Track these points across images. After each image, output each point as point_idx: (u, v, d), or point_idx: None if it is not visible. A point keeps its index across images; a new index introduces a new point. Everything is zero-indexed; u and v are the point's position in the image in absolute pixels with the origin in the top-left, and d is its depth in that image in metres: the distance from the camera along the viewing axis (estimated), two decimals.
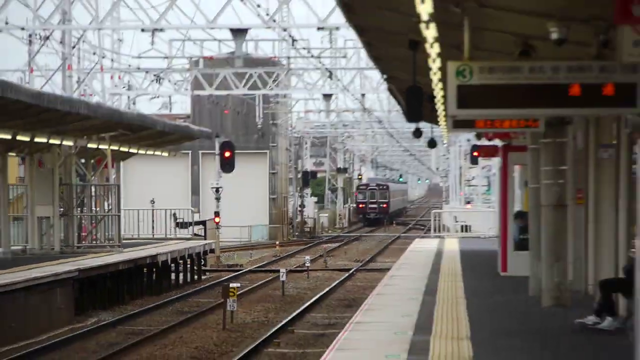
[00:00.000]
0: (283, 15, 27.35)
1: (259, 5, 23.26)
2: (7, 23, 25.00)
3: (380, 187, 58.34)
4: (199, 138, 32.18)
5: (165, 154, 31.25)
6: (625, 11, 5.18)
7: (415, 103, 13.87)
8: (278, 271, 23.07)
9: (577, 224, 13.27)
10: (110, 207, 26.20)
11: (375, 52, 16.47)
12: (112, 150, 24.67)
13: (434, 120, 22.21)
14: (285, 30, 26.72)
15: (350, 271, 26.97)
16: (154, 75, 31.57)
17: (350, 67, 32.93)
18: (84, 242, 24.85)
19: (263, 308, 19.45)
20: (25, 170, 23.41)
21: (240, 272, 27.35)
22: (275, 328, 15.78)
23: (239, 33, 25.25)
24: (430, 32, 8.59)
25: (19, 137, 18.99)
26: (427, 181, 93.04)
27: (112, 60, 31.13)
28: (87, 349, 13.15)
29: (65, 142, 21.63)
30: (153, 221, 32.80)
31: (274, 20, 25.73)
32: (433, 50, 9.71)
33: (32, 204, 21.70)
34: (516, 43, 10.29)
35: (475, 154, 32.48)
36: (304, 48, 29.04)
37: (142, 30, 25.36)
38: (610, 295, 9.83)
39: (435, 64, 10.80)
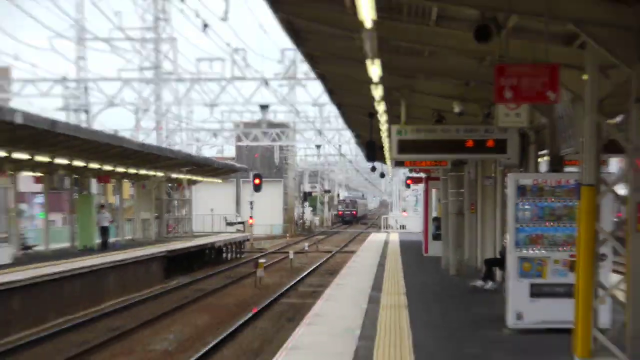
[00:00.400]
0: (291, 96, 44.80)
1: (275, 90, 41.51)
2: (122, 100, 43.01)
3: (351, 201, 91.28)
4: (239, 171, 50.43)
5: (219, 180, 48.83)
6: (500, 95, 7.74)
7: (372, 151, 22.77)
8: (288, 252, 33.17)
9: (470, 225, 19.20)
10: (185, 212, 42.71)
11: (348, 119, 27.26)
12: (187, 178, 39.38)
13: (383, 160, 32.48)
14: (292, 105, 44.74)
15: (332, 252, 37.37)
16: (213, 133, 49.76)
17: (332, 128, 47.98)
18: (169, 234, 38.14)
19: (279, 275, 27.91)
20: (134, 190, 35.11)
21: (265, 253, 38.75)
22: (287, 287, 23.32)
23: (264, 107, 42.84)
24: (381, 107, 13.24)
25: (130, 170, 30.02)
26: (379, 198, 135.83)
27: (186, 123, 48.39)
28: (172, 300, 21.08)
29: (158, 174, 33.40)
30: (212, 221, 51.18)
31: (285, 99, 44.36)
32: (382, 118, 15.31)
33: (138, 211, 33.71)
34: (433, 114, 14.77)
35: (408, 182, 46.43)
36: (304, 117, 48.98)
37: (205, 105, 42.99)
38: (491, 268, 14.35)
39: (384, 127, 16.96)
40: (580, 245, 7.32)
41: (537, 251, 9.48)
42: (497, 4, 7.73)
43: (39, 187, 29.77)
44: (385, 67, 10.19)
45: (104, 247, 26.12)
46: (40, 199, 32.34)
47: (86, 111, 37.43)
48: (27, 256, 22.60)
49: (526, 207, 9.55)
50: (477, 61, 10.73)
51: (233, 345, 14.15)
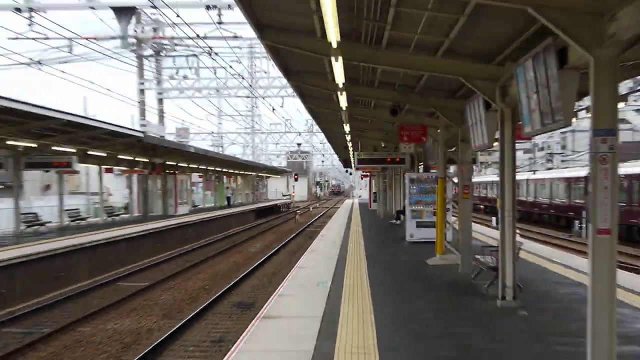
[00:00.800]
0: (311, 139, 77.35)
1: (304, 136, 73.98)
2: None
3: (337, 185, 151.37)
4: (289, 172, 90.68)
5: (279, 177, 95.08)
6: (401, 139, 17.64)
7: (346, 164, 48.00)
8: (309, 208, 64.67)
9: (389, 195, 33.09)
10: (264, 191, 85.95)
11: (334, 149, 54.09)
12: (265, 175, 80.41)
13: (351, 167, 53.93)
14: (311, 144, 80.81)
15: (329, 208, 72.39)
16: (277, 155, 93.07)
17: (329, 152, 77.02)
18: (257, 200, 70.93)
19: (306, 217, 53.60)
20: (242, 180, 63.07)
21: (299, 209, 69.73)
22: (308, 224, 43.00)
23: (299, 144, 73.13)
24: (349, 143, 27.43)
25: (241, 172, 62.35)
26: (350, 184, 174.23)
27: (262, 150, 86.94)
28: (259, 229, 40.64)
29: (252, 173, 66.32)
30: (275, 195, 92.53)
31: (308, 140, 78.16)
32: (351, 149, 30.02)
33: (244, 190, 62.94)
34: (374, 145, 28.95)
35: (362, 176, 70.98)
36: (317, 148, 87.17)
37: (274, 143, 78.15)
38: (399, 214, 26.84)
39: (351, 153, 31.15)
40: (438, 204, 15.42)
41: (419, 207, 19.11)
42: (401, 99, 15.24)
43: (200, 179, 55.12)
44: (351, 126, 21.01)
45: (228, 205, 52.97)
46: (201, 184, 58.26)
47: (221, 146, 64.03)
48: (195, 210, 44.69)
49: (414, 187, 19.22)
50: (391, 124, 19.92)
51: (286, 248, 26.84)
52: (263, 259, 22.76)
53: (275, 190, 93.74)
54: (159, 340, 10.50)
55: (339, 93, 12.21)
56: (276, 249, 26.50)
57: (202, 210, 44.03)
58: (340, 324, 8.25)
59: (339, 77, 10.32)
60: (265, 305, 9.56)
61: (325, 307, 9.38)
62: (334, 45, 7.39)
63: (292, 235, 33.35)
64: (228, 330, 11.64)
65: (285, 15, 8.41)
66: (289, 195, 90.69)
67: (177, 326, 11.68)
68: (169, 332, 11.24)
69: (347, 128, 20.91)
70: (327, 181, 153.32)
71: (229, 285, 16.46)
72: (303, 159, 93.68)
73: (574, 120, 7.20)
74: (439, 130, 14.60)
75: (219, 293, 15.29)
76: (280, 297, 10.32)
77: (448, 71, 9.96)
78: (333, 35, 6.76)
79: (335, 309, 9.23)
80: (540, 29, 6.28)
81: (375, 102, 17.62)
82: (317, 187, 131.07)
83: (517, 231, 10.03)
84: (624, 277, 11.85)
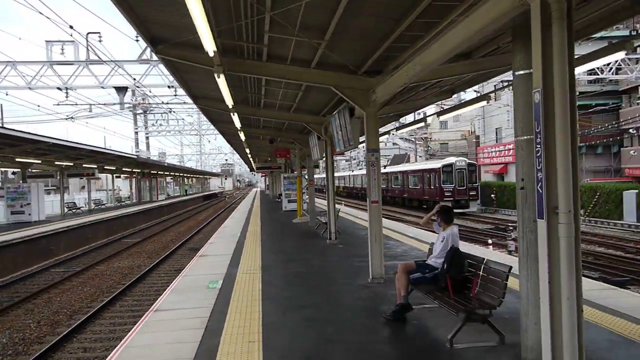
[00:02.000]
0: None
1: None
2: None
3: (250, 181, 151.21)
4: (222, 175, 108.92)
5: (217, 177, 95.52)
6: (276, 156, 24.05)
7: (251, 169, 72.26)
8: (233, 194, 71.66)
9: (277, 187, 33.41)
10: (208, 185, 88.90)
11: (245, 161, 52.26)
12: (209, 177, 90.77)
13: (253, 170, 61.12)
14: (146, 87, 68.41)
15: (245, 194, 74.62)
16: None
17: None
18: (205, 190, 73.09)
19: (231, 200, 38.82)
20: None
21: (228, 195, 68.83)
22: (232, 203, 37.14)
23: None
24: (250, 158, 36.11)
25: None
26: (254, 180, 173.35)
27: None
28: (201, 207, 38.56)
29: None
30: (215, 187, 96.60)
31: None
32: (252, 161, 37.02)
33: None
34: (265, 158, 33.77)
35: (261, 174, 78.54)
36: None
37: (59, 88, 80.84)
38: (279, 195, 30.38)
39: (253, 163, 37.69)
40: (297, 190, 22.77)
41: (288, 192, 26.41)
42: (275, 134, 20.33)
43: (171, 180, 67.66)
44: (250, 148, 25.49)
45: (186, 194, 67.44)
46: (173, 183, 73.44)
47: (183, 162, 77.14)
48: (168, 197, 57.97)
49: (285, 181, 25.77)
50: (271, 144, 21.40)
51: (220, 216, 30.76)
52: (205, 223, 30.65)
53: (215, 185, 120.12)
54: (143, 272, 15.11)
55: (231, 114, 12.66)
56: (213, 217, 35.63)
57: (173, 197, 59.79)
58: (243, 256, 11.34)
59: (226, 95, 10.07)
60: (201, 250, 13.32)
61: (236, 246, 13.02)
62: (211, 54, 6.55)
63: (223, 209, 44.61)
64: (184, 264, 14.94)
65: (175, 31, 7.41)
66: (222, 187, 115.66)
67: (154, 263, 16.69)
68: (149, 266, 15.98)
69: (247, 150, 27.62)
70: (244, 179, 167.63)
71: (185, 239, 22.71)
72: (229, 167, 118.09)
73: (361, 145, 10.01)
74: (296, 151, 20.71)
75: (180, 243, 21.17)
76: (210, 244, 14.16)
77: (297, 119, 13.76)
78: (210, 46, 6.18)
79: (241, 247, 12.84)
80: (341, 98, 9.10)
81: (262, 136, 21.53)
82: (238, 182, 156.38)
83: (343, 202, 14.54)
84: (390, 224, 17.66)
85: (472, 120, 55.74)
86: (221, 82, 8.21)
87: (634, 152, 29.00)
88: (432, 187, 33.67)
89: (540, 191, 3.30)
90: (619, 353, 4.89)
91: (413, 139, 53.29)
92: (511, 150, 40.20)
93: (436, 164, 34.13)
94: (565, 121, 3.25)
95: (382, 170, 47.01)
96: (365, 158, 8.59)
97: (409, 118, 32.77)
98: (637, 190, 22.51)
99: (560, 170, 3.27)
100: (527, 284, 4.52)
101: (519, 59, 4.37)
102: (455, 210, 26.42)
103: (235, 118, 12.98)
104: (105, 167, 35.56)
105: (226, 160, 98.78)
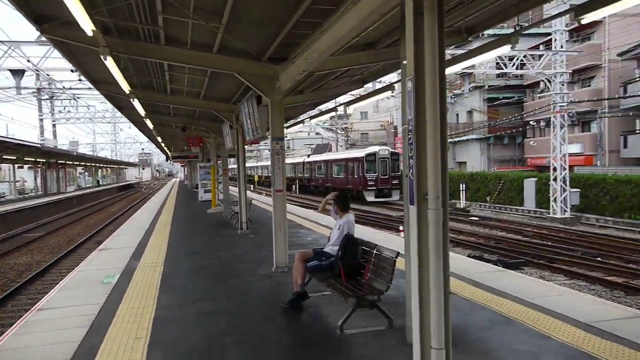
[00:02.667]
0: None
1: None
2: None
3: (170, 171, 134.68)
4: (139, 165, 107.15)
5: (134, 167, 72.94)
6: (189, 145, 23.46)
7: (167, 158, 48.16)
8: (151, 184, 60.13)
9: (195, 177, 31.59)
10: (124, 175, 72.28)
11: (161, 151, 48.45)
12: (125, 167, 53.86)
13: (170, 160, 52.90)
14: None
15: (163, 184, 56.98)
16: None
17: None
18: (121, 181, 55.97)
19: (147, 191, 36.52)
20: None
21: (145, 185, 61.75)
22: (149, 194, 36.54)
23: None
24: (164, 147, 34.25)
25: None
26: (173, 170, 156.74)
27: None
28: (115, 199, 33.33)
29: None
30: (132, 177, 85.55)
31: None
32: (167, 150, 34.90)
33: None
34: (182, 146, 29.66)
35: (181, 164, 73.24)
36: None
37: None
38: (196, 185, 28.55)
39: (168, 152, 36.30)
40: (212, 180, 21.83)
41: (205, 182, 24.92)
42: (187, 122, 18.89)
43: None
44: (163, 136, 23.83)
45: (98, 185, 63.06)
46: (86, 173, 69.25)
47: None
48: (79, 188, 43.83)
49: (201, 171, 24.72)
50: (183, 132, 20.62)
51: (136, 207, 29.11)
52: (117, 215, 29.21)
53: (132, 175, 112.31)
54: (42, 268, 14.05)
55: (131, 100, 11.87)
56: (127, 209, 33.45)
57: (84, 188, 56.74)
58: (147, 248, 11.06)
59: (119, 79, 9.48)
60: (103, 243, 12.80)
61: (142, 238, 12.68)
62: (89, 33, 6.03)
63: (138, 200, 42.37)
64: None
65: (61, 7, 6.08)
66: (140, 177, 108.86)
67: (56, 258, 15.53)
68: (49, 262, 14.89)
69: (159, 139, 26.68)
70: (163, 169, 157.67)
71: (93, 232, 21.51)
72: (147, 157, 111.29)
73: (268, 133, 9.48)
74: (211, 139, 20.16)
75: (87, 237, 20.12)
76: (115, 237, 13.67)
77: (208, 107, 13.32)
78: (86, 24, 5.73)
79: (148, 239, 12.49)
80: (248, 86, 8.88)
81: (175, 124, 20.18)
82: (157, 172, 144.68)
83: (264, 192, 15.32)
84: (305, 212, 18.06)
85: (390, 110, 57.29)
86: (110, 64, 7.67)
87: (533, 143, 31.03)
88: (355, 176, 33.59)
89: (412, 178, 3.32)
90: (496, 332, 5.18)
91: (335, 129, 53.85)
92: None
93: (359, 152, 34.19)
94: (435, 110, 3.28)
95: (306, 159, 47.20)
96: (270, 146, 8.56)
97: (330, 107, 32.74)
98: (536, 179, 24.15)
99: (430, 157, 3.30)
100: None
101: (404, 49, 4.42)
102: (378, 200, 25.97)
103: (137, 104, 12.16)
104: (5, 157, 33.72)
105: (142, 149, 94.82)
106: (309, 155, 48.93)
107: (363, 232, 11.83)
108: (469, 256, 14.57)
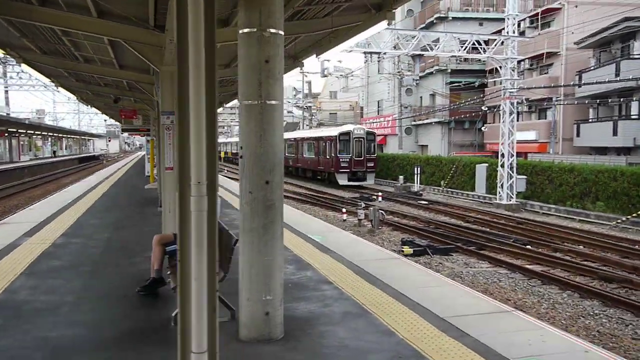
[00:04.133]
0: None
1: None
2: None
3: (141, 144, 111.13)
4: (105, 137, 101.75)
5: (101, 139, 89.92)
6: (121, 117, 20.64)
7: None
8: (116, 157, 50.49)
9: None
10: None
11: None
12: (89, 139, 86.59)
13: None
14: None
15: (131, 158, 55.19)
16: None
17: None
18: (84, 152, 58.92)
19: (110, 163, 38.02)
20: None
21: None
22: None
23: None
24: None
25: None
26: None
27: None
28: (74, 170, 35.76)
29: None
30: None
31: None
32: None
33: None
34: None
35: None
36: None
37: None
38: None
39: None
40: (150, 156, 15.82)
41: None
42: (119, 93, 16.94)
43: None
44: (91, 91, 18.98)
45: (54, 155, 54.15)
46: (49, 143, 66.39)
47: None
48: (35, 158, 39.65)
49: (148, 146, 23.57)
50: (115, 104, 18.49)
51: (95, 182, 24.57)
52: (67, 186, 26.76)
53: (99, 147, 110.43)
54: None
55: (19, 64, 12.28)
56: (79, 180, 30.55)
57: (41, 158, 55.62)
58: (51, 224, 10.86)
59: None
60: (7, 217, 12.77)
61: (55, 212, 12.22)
62: None
63: (93, 173, 38.39)
64: None
65: None
66: (107, 149, 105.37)
67: None
68: None
69: (97, 110, 26.54)
70: (134, 142, 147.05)
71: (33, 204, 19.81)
72: (115, 129, 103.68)
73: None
74: (150, 111, 18.67)
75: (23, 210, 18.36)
76: (28, 210, 13.57)
77: (126, 78, 13.01)
78: None
79: (61, 213, 12.13)
80: None
81: (109, 95, 18.76)
82: (127, 145, 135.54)
83: (226, 169, 17.40)
84: (234, 186, 18.94)
85: (359, 91, 56.79)
86: None
87: (485, 128, 31.13)
88: (327, 157, 30.92)
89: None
90: (343, 325, 5.06)
91: (303, 107, 53.27)
92: (390, 122, 41.26)
93: (333, 131, 31.65)
94: (199, 91, 2.92)
95: None
96: (161, 120, 8.16)
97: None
98: (487, 164, 24.17)
99: (193, 140, 2.83)
100: (243, 259, 4.36)
101: (242, 16, 3.94)
102: (351, 184, 28.10)
103: (28, 68, 11.82)
104: None
105: (105, 120, 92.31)
106: None
107: (290, 215, 11.84)
108: (401, 240, 14.81)
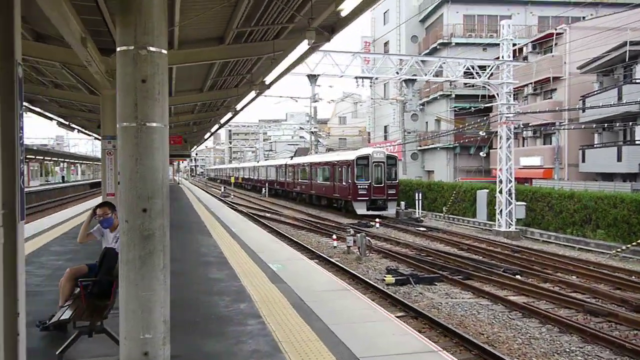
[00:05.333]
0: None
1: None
2: None
3: None
4: None
5: None
6: None
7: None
8: None
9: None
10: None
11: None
12: None
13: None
14: None
15: None
16: None
17: None
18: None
19: None
20: None
21: None
22: None
23: None
24: None
25: None
26: None
27: None
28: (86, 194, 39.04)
29: None
30: None
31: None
32: None
33: None
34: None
35: None
36: None
37: None
38: None
39: None
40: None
41: None
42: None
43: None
44: None
45: (63, 181, 56.67)
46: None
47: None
48: (46, 182, 48.57)
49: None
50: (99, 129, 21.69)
51: None
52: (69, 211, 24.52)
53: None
54: None
55: None
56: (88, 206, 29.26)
57: (52, 183, 57.02)
58: None
59: None
60: None
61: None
62: None
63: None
64: None
65: None
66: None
67: None
68: None
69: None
70: None
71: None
72: None
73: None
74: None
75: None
76: None
77: (77, 99, 10.59)
78: None
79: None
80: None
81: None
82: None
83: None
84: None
85: (368, 116, 56.61)
86: None
87: (483, 154, 30.53)
88: (343, 184, 27.69)
89: None
90: None
91: (311, 131, 53.31)
92: (396, 147, 40.76)
93: (349, 155, 28.45)
94: None
95: (289, 161, 45.49)
96: (101, 146, 8.03)
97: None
98: (487, 190, 23.43)
99: None
100: (121, 293, 4.22)
101: (118, 32, 3.97)
102: (370, 213, 25.33)
103: None
104: None
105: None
106: (291, 157, 43.34)
107: (260, 242, 12.31)
108: (386, 268, 14.51)
